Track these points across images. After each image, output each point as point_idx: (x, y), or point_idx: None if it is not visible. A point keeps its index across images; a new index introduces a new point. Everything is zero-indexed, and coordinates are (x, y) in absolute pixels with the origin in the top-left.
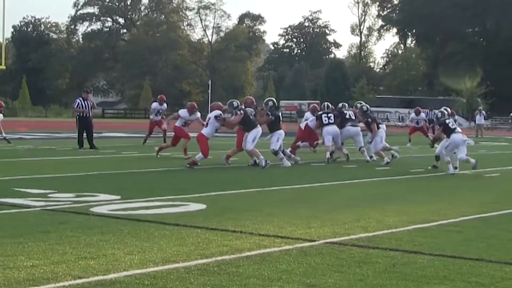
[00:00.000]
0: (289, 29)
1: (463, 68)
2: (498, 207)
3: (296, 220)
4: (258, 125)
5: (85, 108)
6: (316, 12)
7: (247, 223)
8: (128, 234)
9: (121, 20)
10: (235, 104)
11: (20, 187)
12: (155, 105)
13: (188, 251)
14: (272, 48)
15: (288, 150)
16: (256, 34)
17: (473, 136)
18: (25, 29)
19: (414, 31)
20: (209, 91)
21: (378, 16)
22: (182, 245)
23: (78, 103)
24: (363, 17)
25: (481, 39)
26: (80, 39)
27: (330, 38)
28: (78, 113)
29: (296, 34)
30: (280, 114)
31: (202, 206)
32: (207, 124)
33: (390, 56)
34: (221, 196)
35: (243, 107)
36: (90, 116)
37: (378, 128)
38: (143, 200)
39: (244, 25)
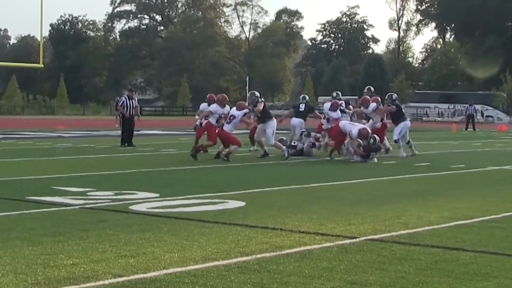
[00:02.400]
0: (326, 24)
1: (503, 62)
2: None
3: (336, 217)
4: (273, 117)
5: (130, 107)
6: (353, 7)
7: (287, 220)
8: (168, 232)
9: (158, 17)
10: (256, 93)
11: (59, 186)
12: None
13: (228, 249)
14: (310, 44)
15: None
16: (294, 30)
17: None
18: (63, 27)
19: (453, 25)
20: (247, 87)
21: (417, 10)
22: (222, 243)
23: (124, 101)
24: (401, 11)
25: None
26: (117, 37)
27: (368, 33)
28: (121, 111)
29: (334, 29)
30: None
31: (241, 204)
32: (230, 121)
33: (429, 50)
34: (260, 193)
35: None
36: (133, 114)
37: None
38: (181, 197)
39: (282, 21)
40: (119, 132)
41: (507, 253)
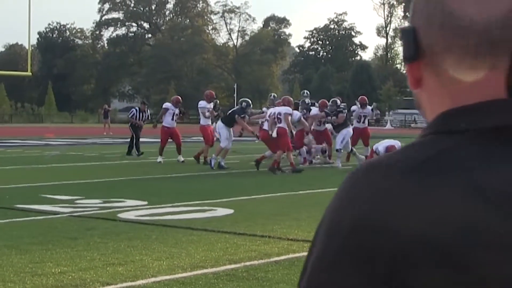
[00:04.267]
0: (314, 31)
1: None
2: None
3: None
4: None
5: (139, 120)
6: (341, 14)
7: (275, 227)
8: (156, 240)
9: (146, 25)
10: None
11: (48, 194)
12: (203, 103)
13: (216, 257)
14: (298, 51)
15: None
16: (281, 37)
17: None
18: (51, 35)
19: None
20: (235, 95)
21: (404, 17)
22: (210, 251)
23: (134, 113)
24: (389, 18)
25: None
26: (105, 45)
27: (356, 40)
28: (132, 122)
29: (321, 36)
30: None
31: (230, 211)
32: (280, 120)
33: None
34: (249, 201)
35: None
36: (141, 127)
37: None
38: (170, 205)
39: (269, 28)
40: (107, 140)
41: None
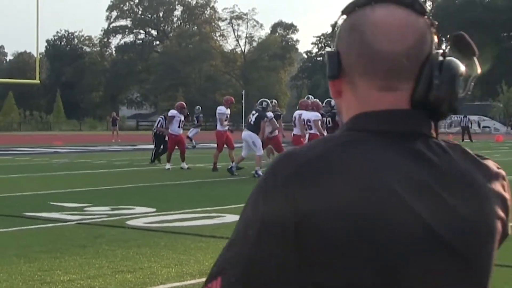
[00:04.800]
0: (322, 37)
1: (499, 72)
2: None
3: None
4: None
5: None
6: None
7: None
8: (165, 247)
9: (154, 32)
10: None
11: (56, 201)
12: (228, 111)
13: None
14: (306, 57)
15: None
16: (289, 43)
17: (511, 141)
18: (59, 43)
19: (448, 36)
20: (243, 101)
21: None
22: None
23: (161, 122)
24: None
25: None
26: (113, 52)
27: None
28: (157, 131)
29: (329, 42)
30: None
31: (238, 218)
32: (311, 127)
33: None
34: None
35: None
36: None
37: None
38: (178, 212)
39: (277, 34)
40: (116, 147)
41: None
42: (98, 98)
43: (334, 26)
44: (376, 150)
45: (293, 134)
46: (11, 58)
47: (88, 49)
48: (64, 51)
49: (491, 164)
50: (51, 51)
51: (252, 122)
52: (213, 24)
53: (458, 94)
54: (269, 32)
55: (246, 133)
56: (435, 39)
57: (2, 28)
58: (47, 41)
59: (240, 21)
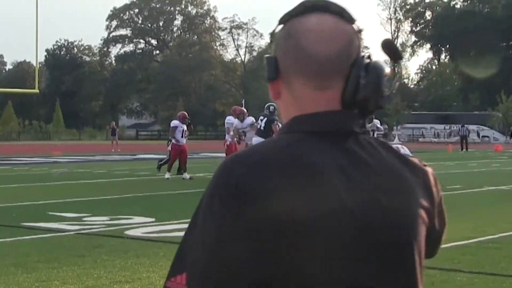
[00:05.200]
0: None
1: (499, 82)
2: None
3: None
4: None
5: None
6: None
7: None
8: (163, 257)
9: (154, 42)
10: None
11: (55, 211)
12: (235, 121)
13: None
14: None
15: None
16: None
17: (510, 151)
18: (58, 52)
19: (447, 46)
20: None
21: (411, 32)
22: None
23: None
24: (396, 33)
25: None
26: (113, 61)
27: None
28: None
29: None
30: None
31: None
32: None
33: (424, 72)
34: None
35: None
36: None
37: None
38: (177, 222)
39: None
40: (115, 157)
41: (504, 274)
42: (97, 107)
43: (272, 34)
44: (312, 151)
45: None
46: (11, 67)
47: (87, 59)
48: (63, 61)
49: (417, 160)
50: (50, 60)
51: (261, 128)
52: (213, 33)
53: (383, 92)
54: (269, 41)
55: (256, 139)
56: (362, 43)
57: (2, 37)
58: (47, 50)
59: (240, 31)
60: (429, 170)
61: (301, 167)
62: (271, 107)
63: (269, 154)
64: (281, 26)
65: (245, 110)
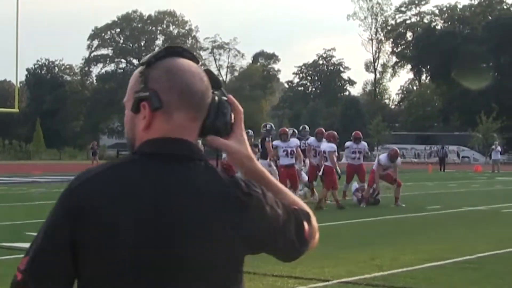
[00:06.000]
0: (303, 67)
1: (478, 103)
2: None
3: (309, 259)
4: None
5: None
6: (330, 50)
7: (260, 263)
8: None
9: (135, 61)
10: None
11: (33, 231)
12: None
13: None
14: (287, 86)
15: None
16: (271, 72)
17: (489, 171)
18: (39, 71)
19: (428, 67)
20: None
21: (392, 52)
22: None
23: None
24: (377, 54)
25: (496, 74)
26: (94, 81)
27: (345, 75)
28: None
29: (310, 72)
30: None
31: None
32: (326, 159)
33: (405, 92)
34: None
35: None
36: None
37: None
38: None
39: (258, 64)
40: None
41: None
42: (78, 127)
43: (141, 74)
44: (135, 169)
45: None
46: None
47: (68, 78)
48: (44, 80)
49: (237, 181)
50: (31, 80)
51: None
52: (194, 53)
53: (230, 121)
54: (251, 61)
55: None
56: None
57: None
58: (27, 69)
59: (221, 51)
60: (248, 191)
61: (120, 184)
62: (268, 126)
63: (104, 169)
64: (143, 67)
65: None
